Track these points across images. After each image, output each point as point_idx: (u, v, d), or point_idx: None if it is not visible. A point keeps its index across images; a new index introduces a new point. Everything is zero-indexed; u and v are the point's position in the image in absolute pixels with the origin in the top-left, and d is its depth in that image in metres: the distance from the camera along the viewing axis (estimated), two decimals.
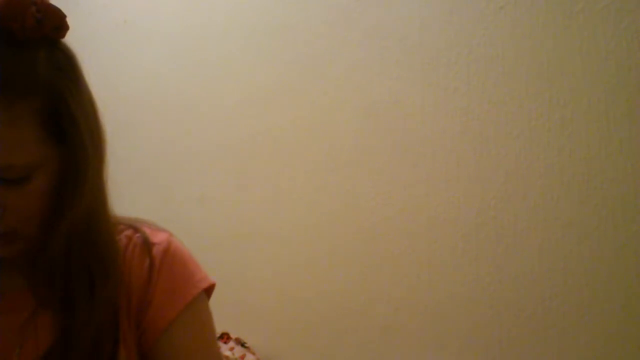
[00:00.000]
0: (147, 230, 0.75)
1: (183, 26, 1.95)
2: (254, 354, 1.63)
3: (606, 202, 1.24)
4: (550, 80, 1.31)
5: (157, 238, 0.74)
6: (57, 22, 0.64)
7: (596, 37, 1.25)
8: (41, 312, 0.67)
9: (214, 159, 1.86)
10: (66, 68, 0.65)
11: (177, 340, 0.70)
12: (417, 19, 1.49)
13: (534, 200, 1.32)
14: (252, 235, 1.76)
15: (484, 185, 1.38)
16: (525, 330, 1.32)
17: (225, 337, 1.66)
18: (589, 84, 1.26)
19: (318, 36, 1.65)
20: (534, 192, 1.32)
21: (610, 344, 1.22)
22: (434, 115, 1.45)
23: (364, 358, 1.54)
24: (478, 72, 1.39)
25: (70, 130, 0.63)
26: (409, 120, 1.49)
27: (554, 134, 1.30)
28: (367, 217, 1.54)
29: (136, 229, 0.75)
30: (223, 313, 1.70)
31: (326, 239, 1.61)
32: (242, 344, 1.65)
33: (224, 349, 1.60)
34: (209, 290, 0.76)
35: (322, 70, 1.64)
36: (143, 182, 2.00)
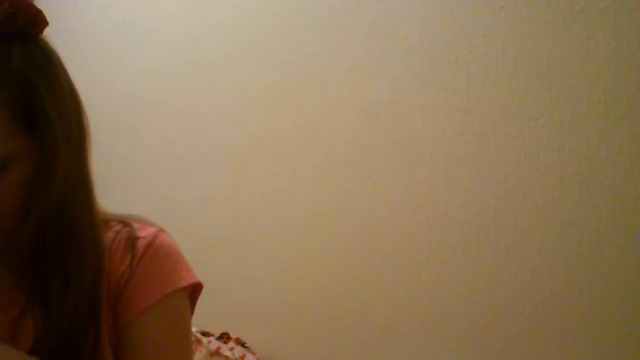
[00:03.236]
0: (137, 225, 0.75)
1: (183, 26, 1.95)
2: (254, 354, 1.63)
3: (606, 202, 1.24)
4: (550, 80, 1.31)
5: (144, 232, 0.74)
6: (31, 17, 0.65)
7: (596, 37, 1.25)
8: (30, 310, 0.67)
9: (214, 159, 1.86)
10: (42, 62, 0.66)
11: (143, 333, 0.69)
12: (417, 19, 1.48)
13: (534, 200, 1.32)
14: (252, 235, 1.76)
15: (484, 185, 1.38)
16: (525, 330, 1.32)
17: (225, 337, 1.66)
18: (589, 84, 1.26)
19: (318, 36, 1.65)
20: (534, 192, 1.32)
21: (610, 344, 1.22)
22: (434, 115, 1.45)
23: (364, 358, 1.54)
24: (478, 72, 1.39)
25: (41, 123, 0.64)
26: (409, 120, 1.49)
27: (554, 134, 1.30)
28: (367, 217, 1.54)
29: (125, 224, 0.75)
30: (223, 313, 1.71)
31: (326, 239, 1.61)
32: (242, 344, 1.65)
33: (224, 349, 1.60)
34: (195, 290, 0.75)
35: (322, 70, 1.64)
36: (143, 182, 2.00)
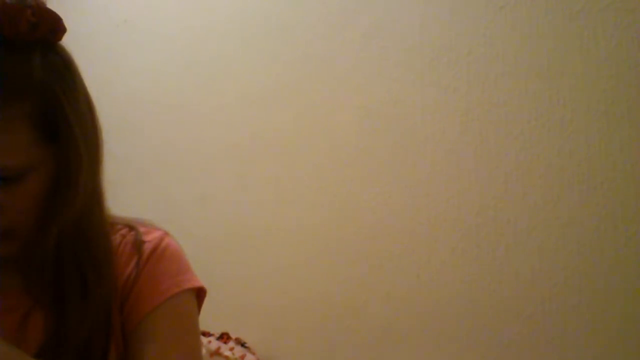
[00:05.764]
0: (142, 229, 0.75)
1: (183, 26, 1.95)
2: (254, 354, 1.63)
3: (606, 202, 1.24)
4: (550, 80, 1.30)
5: (150, 236, 0.74)
6: (53, 25, 0.64)
7: (596, 37, 1.25)
8: (36, 312, 0.67)
9: (214, 159, 1.86)
10: (61, 70, 0.65)
11: (150, 332, 0.69)
12: (417, 19, 1.48)
13: (534, 200, 1.32)
14: (252, 235, 1.76)
15: (484, 185, 1.38)
16: (525, 330, 1.32)
17: (225, 337, 1.66)
18: (589, 84, 1.26)
19: (318, 36, 1.65)
20: (534, 192, 1.32)
21: (610, 344, 1.22)
22: (434, 115, 1.45)
23: (364, 358, 1.54)
24: (478, 72, 1.39)
25: (63, 132, 0.64)
26: (409, 120, 1.49)
27: (554, 134, 1.30)
28: (367, 216, 1.54)
29: (131, 228, 0.75)
30: (223, 313, 1.71)
31: (326, 239, 1.61)
32: (242, 344, 1.65)
33: (224, 349, 1.60)
34: (198, 294, 0.75)
35: (322, 71, 1.64)
36: (143, 182, 2.00)
